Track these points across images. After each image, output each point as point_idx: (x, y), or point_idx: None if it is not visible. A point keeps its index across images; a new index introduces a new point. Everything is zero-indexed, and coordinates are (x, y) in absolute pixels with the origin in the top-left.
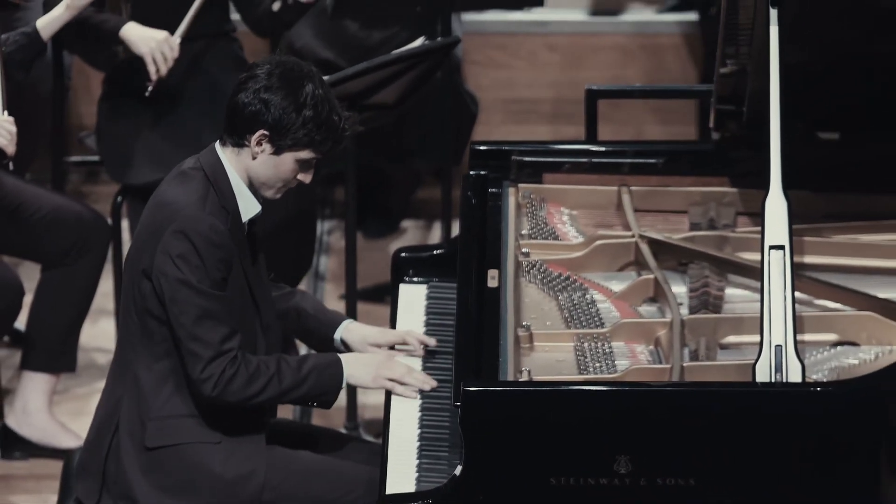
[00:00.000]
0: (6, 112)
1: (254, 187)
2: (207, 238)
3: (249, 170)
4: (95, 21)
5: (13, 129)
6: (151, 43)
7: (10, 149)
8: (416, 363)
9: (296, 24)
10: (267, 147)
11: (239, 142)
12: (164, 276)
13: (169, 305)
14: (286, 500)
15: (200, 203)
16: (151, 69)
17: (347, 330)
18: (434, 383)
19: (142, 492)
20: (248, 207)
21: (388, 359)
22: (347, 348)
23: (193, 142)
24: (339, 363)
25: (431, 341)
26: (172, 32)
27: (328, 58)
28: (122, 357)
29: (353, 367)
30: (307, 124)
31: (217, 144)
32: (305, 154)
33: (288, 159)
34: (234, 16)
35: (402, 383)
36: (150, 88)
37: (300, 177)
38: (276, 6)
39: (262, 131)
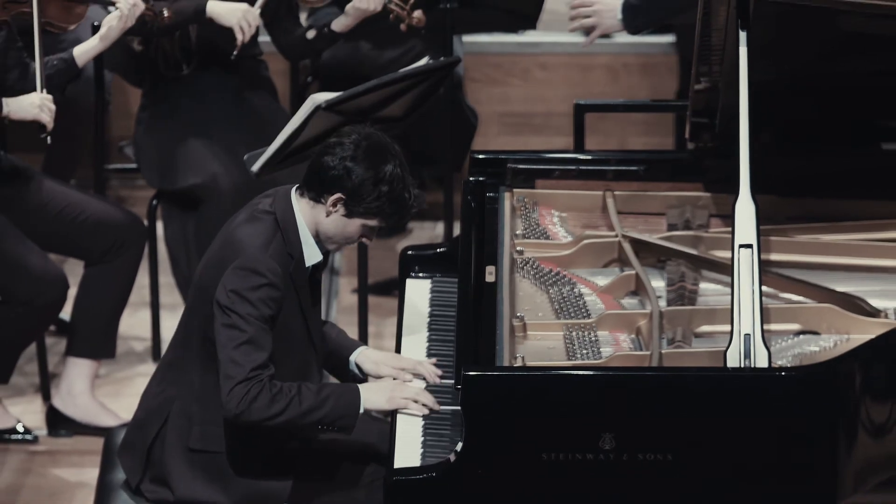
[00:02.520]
0: (45, 90)
1: (318, 238)
2: (263, 277)
3: (319, 224)
4: (176, 8)
5: (53, 106)
6: (238, 13)
7: (51, 124)
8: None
9: (325, 51)
10: (341, 209)
11: (316, 197)
12: (217, 305)
13: (217, 330)
14: (311, 484)
15: (264, 246)
16: (239, 37)
17: (362, 354)
18: (438, 406)
19: (180, 480)
20: (312, 255)
21: (400, 384)
22: (360, 371)
23: (222, 152)
24: (356, 389)
25: (438, 372)
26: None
27: (345, 74)
28: (178, 362)
29: (369, 393)
30: (381, 198)
31: (293, 192)
32: (373, 222)
33: (356, 223)
34: (260, 38)
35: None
36: (234, 53)
37: (363, 239)
38: (310, 34)
39: (339, 195)
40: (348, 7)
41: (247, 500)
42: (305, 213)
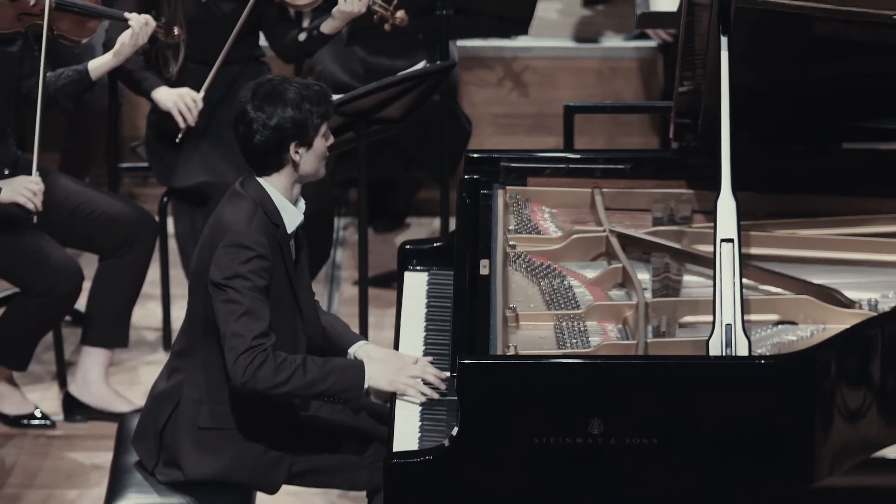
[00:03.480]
0: (37, 173)
1: (293, 198)
2: (252, 250)
3: (299, 173)
4: (137, 77)
5: (37, 188)
6: (174, 97)
7: (31, 205)
8: (419, 344)
9: (316, 52)
10: (302, 150)
11: (278, 166)
12: (212, 284)
13: (215, 308)
14: (312, 463)
15: (248, 221)
16: (178, 120)
17: (361, 349)
18: (437, 396)
19: (189, 459)
20: (292, 219)
21: (403, 367)
22: None
23: (228, 152)
24: (361, 365)
25: (443, 375)
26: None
27: (344, 80)
28: (185, 349)
29: (374, 370)
30: (312, 111)
31: (254, 175)
32: (324, 128)
33: (318, 143)
34: (263, 42)
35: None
36: (179, 136)
37: (328, 143)
38: (301, 37)
39: (292, 144)
40: (334, 10)
41: (252, 476)
42: (276, 183)
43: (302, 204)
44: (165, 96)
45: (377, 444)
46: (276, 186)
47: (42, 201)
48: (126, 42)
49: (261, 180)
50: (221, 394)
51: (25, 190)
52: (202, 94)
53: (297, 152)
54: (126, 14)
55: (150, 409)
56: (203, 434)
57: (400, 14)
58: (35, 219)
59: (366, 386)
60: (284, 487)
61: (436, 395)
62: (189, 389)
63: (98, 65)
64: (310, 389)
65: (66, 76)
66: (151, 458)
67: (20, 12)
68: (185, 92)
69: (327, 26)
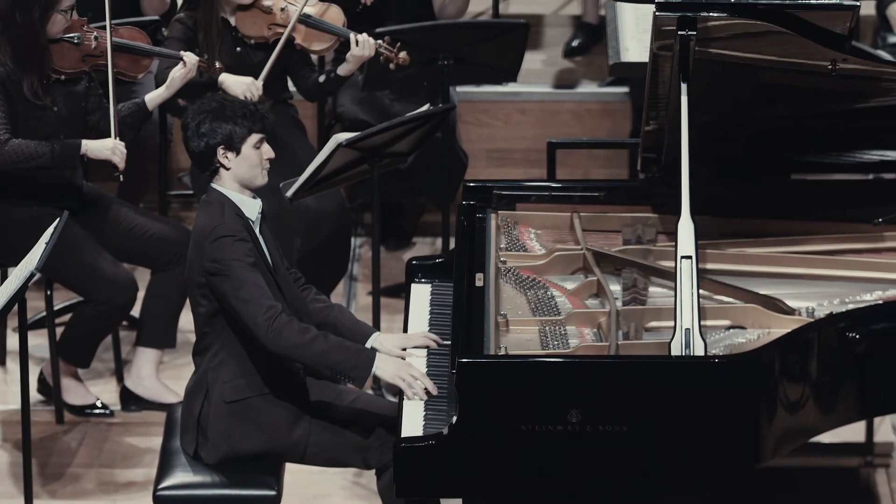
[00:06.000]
0: (118, 138)
1: (248, 189)
2: (233, 236)
3: (235, 177)
4: (201, 81)
5: (125, 150)
6: (242, 86)
7: (122, 165)
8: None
9: (336, 93)
10: (230, 154)
11: (215, 169)
12: (209, 276)
13: (219, 293)
14: (329, 443)
15: (221, 216)
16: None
17: (377, 340)
18: (435, 390)
19: (222, 434)
20: (252, 208)
21: (408, 365)
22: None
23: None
24: (374, 352)
25: (440, 340)
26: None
27: (363, 118)
28: (202, 344)
29: (382, 361)
30: (237, 122)
31: (210, 184)
32: (254, 138)
33: (247, 150)
34: (292, 88)
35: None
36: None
37: (264, 154)
38: (321, 79)
39: (220, 149)
40: (348, 54)
41: (279, 441)
42: (226, 185)
43: (259, 201)
44: (234, 82)
45: (387, 429)
46: (228, 188)
47: (124, 160)
48: (177, 76)
49: (216, 187)
50: (242, 368)
51: (119, 153)
52: (260, 82)
53: (225, 156)
54: (182, 53)
55: (185, 406)
56: (231, 408)
57: (402, 55)
58: (121, 177)
59: (373, 369)
60: (308, 467)
61: (424, 397)
62: (213, 375)
63: (153, 97)
64: (326, 357)
65: (126, 108)
66: (191, 444)
67: (84, 54)
68: (251, 80)
69: (343, 69)
